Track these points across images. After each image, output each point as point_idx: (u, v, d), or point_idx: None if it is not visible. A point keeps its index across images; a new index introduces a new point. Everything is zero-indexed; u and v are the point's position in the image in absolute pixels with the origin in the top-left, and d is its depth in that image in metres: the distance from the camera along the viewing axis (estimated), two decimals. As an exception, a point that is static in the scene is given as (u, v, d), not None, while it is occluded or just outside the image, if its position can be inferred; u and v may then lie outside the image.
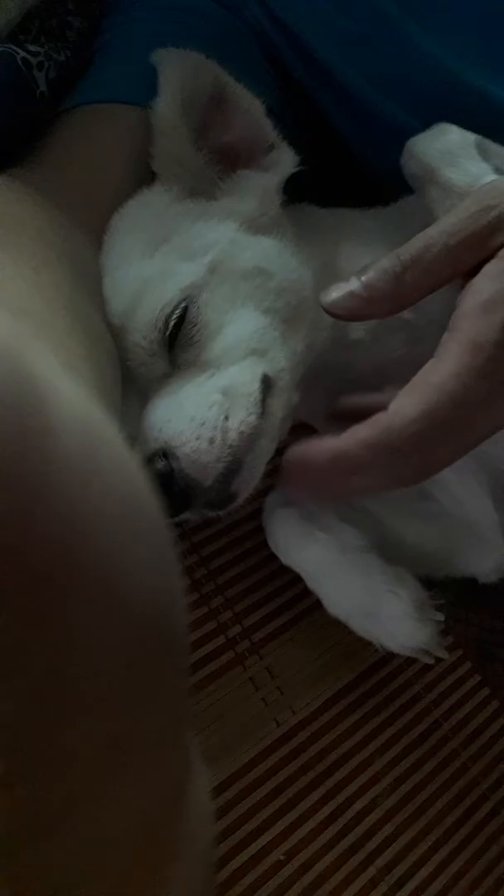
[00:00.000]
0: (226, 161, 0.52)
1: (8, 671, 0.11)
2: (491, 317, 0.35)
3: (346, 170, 0.69)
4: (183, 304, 0.43)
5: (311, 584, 0.51)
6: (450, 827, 0.55)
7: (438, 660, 0.53)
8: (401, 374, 0.38)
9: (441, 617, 0.50)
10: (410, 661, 0.61)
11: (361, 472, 0.36)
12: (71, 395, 0.13)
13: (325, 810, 0.52)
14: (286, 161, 0.53)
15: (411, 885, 0.52)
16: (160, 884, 0.16)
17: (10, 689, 0.11)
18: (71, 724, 0.12)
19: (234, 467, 0.41)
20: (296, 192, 0.55)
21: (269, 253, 0.48)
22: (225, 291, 0.45)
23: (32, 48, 0.61)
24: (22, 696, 0.11)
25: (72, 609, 0.12)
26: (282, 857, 0.49)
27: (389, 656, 0.60)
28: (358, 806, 0.53)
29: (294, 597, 0.59)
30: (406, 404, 0.35)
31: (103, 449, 0.13)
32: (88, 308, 0.41)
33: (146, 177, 0.52)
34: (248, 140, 0.53)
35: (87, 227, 0.48)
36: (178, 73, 0.50)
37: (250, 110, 0.52)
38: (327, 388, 0.51)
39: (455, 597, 0.65)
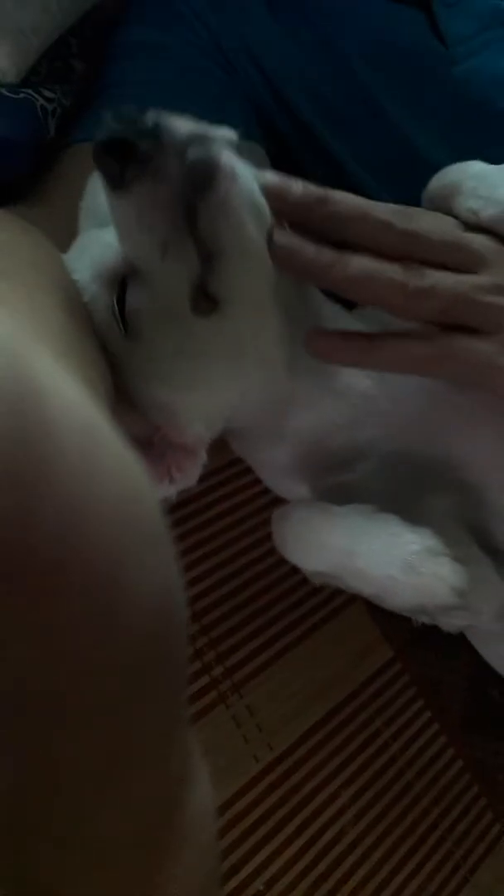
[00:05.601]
0: None
1: (7, 674, 0.11)
2: None
3: None
4: None
5: (340, 567, 0.46)
6: (404, 855, 0.61)
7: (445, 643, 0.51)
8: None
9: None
10: (372, 698, 0.66)
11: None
12: (70, 395, 0.13)
13: (299, 842, 0.56)
14: None
15: (372, 910, 0.57)
16: (160, 879, 0.17)
17: (8, 696, 0.11)
18: (71, 729, 0.12)
19: (210, 136, 0.36)
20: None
21: None
22: None
23: (47, 94, 0.62)
24: (20, 703, 0.11)
25: (71, 611, 0.12)
26: (261, 888, 0.53)
27: (355, 694, 0.64)
28: (328, 836, 0.57)
29: (271, 637, 0.63)
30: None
31: (103, 449, 0.13)
32: (82, 335, 0.42)
33: None
34: None
35: None
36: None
37: None
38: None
39: (411, 638, 0.71)
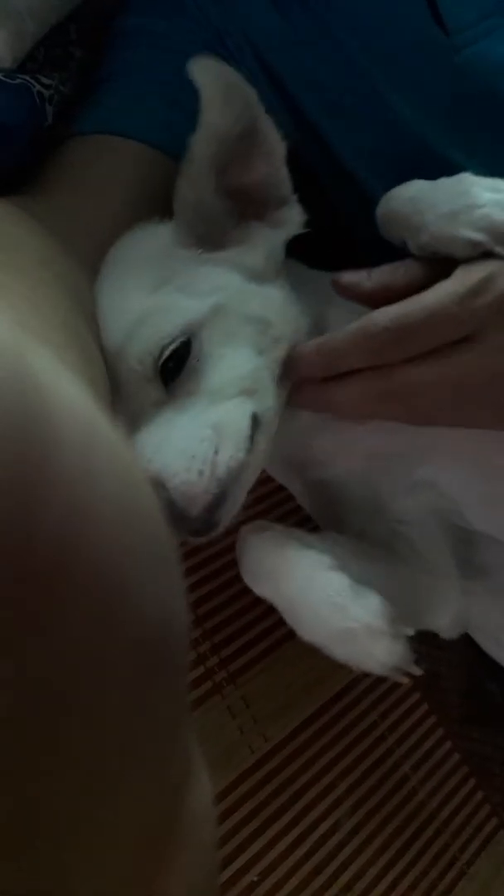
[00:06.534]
0: (239, 204, 0.53)
1: (6, 675, 0.11)
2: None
3: (329, 231, 0.72)
4: (182, 338, 0.45)
5: (284, 611, 0.50)
6: (400, 847, 0.60)
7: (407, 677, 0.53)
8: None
9: (411, 631, 0.48)
10: (369, 690, 0.65)
11: (342, 358, 0.42)
12: (71, 393, 0.13)
13: (294, 833, 0.55)
14: (294, 219, 0.54)
15: (367, 903, 0.56)
16: (160, 880, 0.17)
17: (6, 697, 0.11)
18: (72, 730, 0.12)
19: (219, 499, 0.42)
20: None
21: (273, 303, 0.50)
22: (225, 330, 0.47)
23: (45, 80, 0.61)
24: (18, 704, 0.11)
25: (72, 612, 0.12)
26: (255, 879, 0.52)
27: (351, 685, 0.64)
28: (323, 828, 0.57)
29: (267, 628, 0.62)
30: (390, 307, 0.41)
31: (103, 448, 0.13)
32: (83, 330, 0.42)
33: (144, 208, 0.53)
34: (264, 188, 0.54)
35: (82, 254, 0.49)
36: (219, 95, 0.49)
37: (274, 152, 0.53)
38: None
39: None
